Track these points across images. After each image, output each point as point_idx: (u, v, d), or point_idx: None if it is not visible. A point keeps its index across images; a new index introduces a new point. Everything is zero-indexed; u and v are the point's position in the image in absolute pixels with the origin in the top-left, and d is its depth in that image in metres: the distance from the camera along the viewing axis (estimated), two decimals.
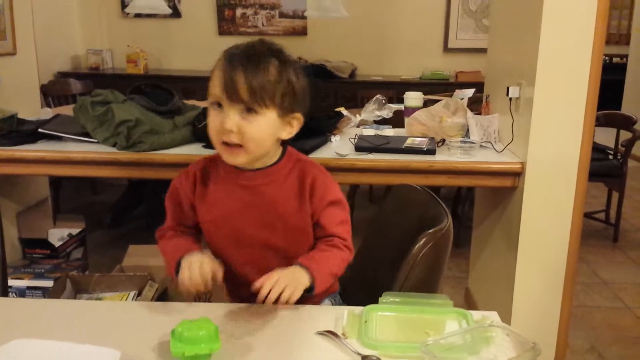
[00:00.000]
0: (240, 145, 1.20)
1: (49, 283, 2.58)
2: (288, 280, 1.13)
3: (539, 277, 2.18)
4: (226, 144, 1.21)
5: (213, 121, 1.22)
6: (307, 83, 1.28)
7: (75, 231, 3.05)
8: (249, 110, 1.19)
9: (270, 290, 1.11)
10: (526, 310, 2.21)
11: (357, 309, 1.17)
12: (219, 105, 1.21)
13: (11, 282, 2.59)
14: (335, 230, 1.29)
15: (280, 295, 1.11)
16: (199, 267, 1.18)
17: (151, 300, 2.33)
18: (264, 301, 1.11)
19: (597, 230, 3.96)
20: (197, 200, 1.33)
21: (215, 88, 1.20)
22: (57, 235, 2.98)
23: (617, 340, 2.62)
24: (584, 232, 3.74)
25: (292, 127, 1.28)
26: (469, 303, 2.84)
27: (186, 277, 1.17)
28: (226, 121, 1.18)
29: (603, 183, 3.89)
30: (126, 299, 2.39)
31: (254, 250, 1.31)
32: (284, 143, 1.33)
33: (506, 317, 2.21)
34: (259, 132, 1.20)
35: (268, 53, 1.22)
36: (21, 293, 2.60)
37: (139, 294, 2.43)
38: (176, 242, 1.33)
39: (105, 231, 3.79)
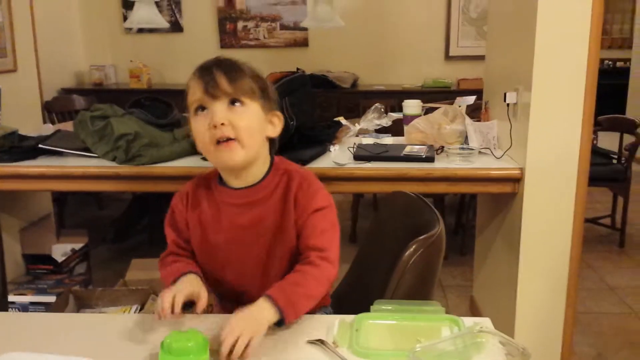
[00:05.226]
0: (233, 139, 1.20)
1: (51, 298, 2.59)
2: (244, 327, 1.05)
3: (541, 283, 2.16)
4: (219, 142, 1.20)
5: (200, 125, 1.22)
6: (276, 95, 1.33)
7: (78, 246, 3.06)
8: (234, 102, 1.21)
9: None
10: (530, 317, 2.20)
11: (349, 318, 1.16)
12: (203, 108, 1.22)
13: (14, 298, 2.61)
14: (313, 242, 1.24)
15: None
16: (170, 297, 1.16)
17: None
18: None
19: (603, 236, 3.93)
20: (189, 222, 1.34)
21: (195, 93, 1.22)
22: (60, 251, 2.99)
23: (625, 346, 2.59)
24: (589, 238, 3.75)
25: (274, 126, 1.30)
26: (473, 311, 2.82)
27: (158, 307, 1.16)
28: (214, 116, 1.19)
29: (608, 188, 3.86)
30: (128, 313, 2.39)
31: (244, 267, 1.31)
32: (271, 149, 1.33)
33: (510, 324, 2.19)
34: (248, 121, 1.22)
35: (237, 61, 1.26)
36: (24, 309, 2.61)
37: (141, 308, 2.43)
38: (172, 268, 1.32)
39: (109, 246, 3.80)
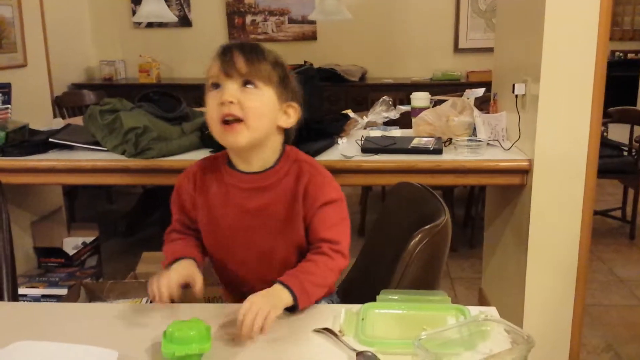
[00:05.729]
0: (240, 120, 1.20)
1: (63, 291, 2.61)
2: (261, 303, 1.07)
3: (550, 276, 2.16)
4: (226, 122, 1.20)
5: (212, 101, 1.22)
6: (300, 88, 1.31)
7: (89, 239, 3.09)
8: (247, 83, 1.21)
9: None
10: (539, 309, 2.19)
11: (355, 307, 1.17)
12: (217, 86, 1.22)
13: (26, 291, 2.63)
14: (325, 234, 1.25)
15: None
16: (165, 281, 1.18)
17: None
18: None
19: (614, 228, 3.91)
20: (197, 201, 1.34)
21: (212, 70, 1.22)
22: (71, 244, 3.03)
23: (634, 339, 2.58)
24: (600, 230, 3.74)
25: (289, 117, 1.29)
26: (482, 303, 2.82)
27: (151, 290, 1.19)
28: (225, 93, 1.19)
29: (618, 180, 3.85)
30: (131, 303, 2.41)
31: (248, 253, 1.31)
32: (285, 142, 1.33)
33: (519, 316, 2.19)
34: (258, 104, 1.21)
35: (260, 46, 1.27)
36: (36, 301, 2.64)
37: (152, 300, 2.45)
38: (174, 246, 1.34)
39: (120, 239, 3.83)
